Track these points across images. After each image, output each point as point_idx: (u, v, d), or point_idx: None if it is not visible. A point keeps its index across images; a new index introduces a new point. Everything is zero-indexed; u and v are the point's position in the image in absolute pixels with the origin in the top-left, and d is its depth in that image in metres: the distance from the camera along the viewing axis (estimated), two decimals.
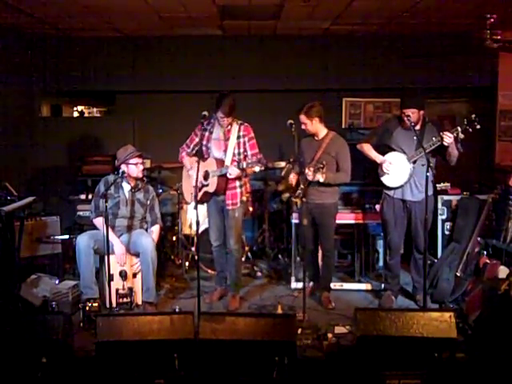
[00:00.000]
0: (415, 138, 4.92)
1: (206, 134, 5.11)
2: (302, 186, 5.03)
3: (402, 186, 5.10)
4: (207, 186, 5.07)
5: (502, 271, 4.87)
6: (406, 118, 4.91)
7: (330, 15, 6.42)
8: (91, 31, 7.13)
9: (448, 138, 4.80)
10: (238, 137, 5.10)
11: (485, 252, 5.23)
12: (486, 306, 4.42)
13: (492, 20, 6.10)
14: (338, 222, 5.43)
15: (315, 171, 4.95)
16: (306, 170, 5.04)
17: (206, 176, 5.05)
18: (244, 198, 5.27)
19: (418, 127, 4.99)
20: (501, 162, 7.11)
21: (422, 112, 4.99)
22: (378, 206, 5.53)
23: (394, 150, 5.11)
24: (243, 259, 6.36)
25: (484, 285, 4.78)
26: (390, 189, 5.19)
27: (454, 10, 6.11)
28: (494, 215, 5.59)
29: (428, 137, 4.95)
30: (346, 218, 5.78)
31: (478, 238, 5.30)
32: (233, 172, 4.93)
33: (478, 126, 4.78)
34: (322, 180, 5.00)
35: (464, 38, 7.02)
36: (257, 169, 4.81)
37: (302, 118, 5.11)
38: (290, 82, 7.61)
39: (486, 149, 7.60)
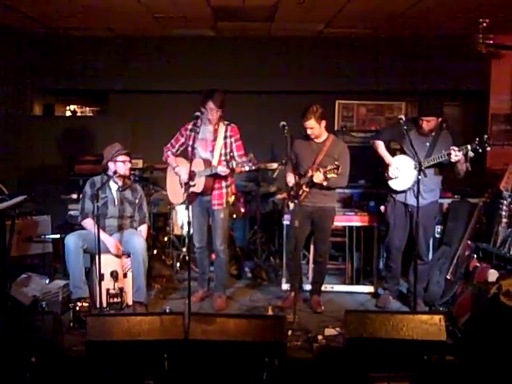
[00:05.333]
0: (428, 144, 5.00)
1: (193, 134, 5.10)
2: (305, 189, 5.02)
3: (405, 191, 5.13)
4: (194, 186, 5.04)
5: (492, 275, 4.87)
6: (424, 125, 4.96)
7: (324, 18, 6.45)
8: (84, 31, 7.13)
9: (455, 156, 4.79)
10: (225, 137, 5.12)
11: (475, 255, 5.25)
12: (475, 310, 4.43)
13: (485, 24, 6.14)
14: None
15: (328, 172, 4.81)
16: (311, 172, 4.99)
17: (193, 176, 5.03)
18: (230, 199, 5.26)
19: (432, 133, 5.05)
20: (492, 166, 7.13)
21: (439, 119, 5.01)
22: (382, 207, 5.54)
23: (404, 152, 5.14)
24: (234, 260, 6.39)
25: (474, 288, 4.79)
26: (394, 191, 5.21)
27: (447, 15, 6.14)
28: (484, 219, 5.62)
29: (441, 145, 4.98)
30: (340, 220, 5.75)
31: (469, 242, 5.32)
32: (222, 170, 4.94)
33: (489, 148, 4.78)
34: (325, 183, 4.92)
35: (456, 42, 7.06)
36: (246, 168, 4.80)
37: (312, 122, 4.97)
38: (282, 84, 7.62)
39: (476, 157, 7.62)
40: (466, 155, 4.83)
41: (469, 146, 4.79)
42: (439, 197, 5.30)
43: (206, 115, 5.04)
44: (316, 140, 5.15)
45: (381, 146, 5.29)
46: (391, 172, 5.14)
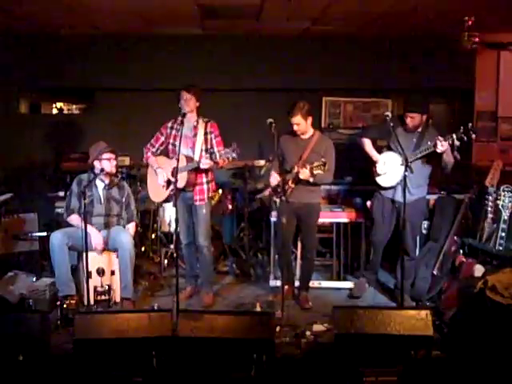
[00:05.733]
0: (414, 140, 5.02)
1: (173, 132, 5.13)
2: (290, 185, 5.03)
3: (393, 187, 5.15)
4: (176, 181, 5.02)
5: (478, 270, 4.93)
6: (408, 121, 4.99)
7: (310, 16, 6.45)
8: (70, 29, 7.07)
9: (441, 146, 4.75)
10: (205, 133, 5.13)
11: (461, 251, 5.29)
12: (461, 305, 4.47)
13: (470, 22, 6.17)
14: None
15: (314, 168, 4.80)
16: (297, 169, 4.99)
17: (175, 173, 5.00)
18: (212, 196, 5.33)
19: (419, 130, 5.07)
20: (477, 162, 7.19)
21: (424, 116, 5.02)
22: (368, 203, 5.56)
23: (391, 149, 5.16)
24: (222, 257, 6.38)
25: (460, 283, 4.84)
26: (381, 188, 5.24)
27: (432, 13, 6.17)
28: (470, 214, 5.66)
29: (428, 141, 4.96)
30: (327, 216, 5.77)
31: (455, 237, 5.36)
32: (205, 163, 4.94)
33: (474, 136, 4.73)
34: (311, 179, 4.94)
35: (442, 39, 7.10)
36: (230, 158, 4.81)
37: (298, 119, 4.98)
38: (270, 82, 7.63)
39: (463, 149, 7.67)
40: (452, 145, 4.82)
41: (454, 135, 4.76)
42: (426, 193, 5.33)
43: (183, 110, 5.03)
44: (302, 136, 5.16)
45: (367, 144, 5.32)
46: (379, 169, 5.16)
